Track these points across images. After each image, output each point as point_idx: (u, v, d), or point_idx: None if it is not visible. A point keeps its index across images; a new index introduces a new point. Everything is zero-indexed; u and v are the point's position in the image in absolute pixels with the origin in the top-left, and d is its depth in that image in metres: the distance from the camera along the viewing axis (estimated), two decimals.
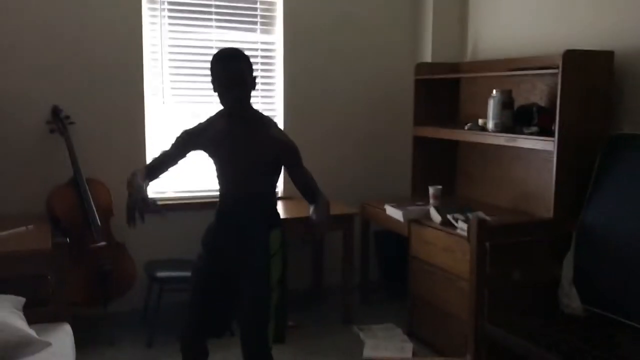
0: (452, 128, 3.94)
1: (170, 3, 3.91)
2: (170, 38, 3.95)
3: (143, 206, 2.32)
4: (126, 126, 3.84)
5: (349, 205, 4.09)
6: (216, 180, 2.58)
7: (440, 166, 4.31)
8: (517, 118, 3.49)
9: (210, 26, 4.02)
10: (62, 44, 3.65)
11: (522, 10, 3.85)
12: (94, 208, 3.57)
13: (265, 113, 4.13)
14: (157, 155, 2.64)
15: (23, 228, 3.18)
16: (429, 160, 4.29)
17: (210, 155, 2.55)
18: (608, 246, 2.85)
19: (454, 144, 4.25)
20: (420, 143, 4.26)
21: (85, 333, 3.53)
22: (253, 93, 2.45)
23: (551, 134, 3.12)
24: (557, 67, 3.05)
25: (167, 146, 2.63)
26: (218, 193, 2.59)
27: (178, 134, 2.59)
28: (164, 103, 3.98)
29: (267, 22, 4.18)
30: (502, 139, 3.42)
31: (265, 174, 2.52)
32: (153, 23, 3.89)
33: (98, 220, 3.56)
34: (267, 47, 4.21)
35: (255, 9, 4.13)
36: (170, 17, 3.92)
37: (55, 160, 3.63)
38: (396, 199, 4.01)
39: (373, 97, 4.49)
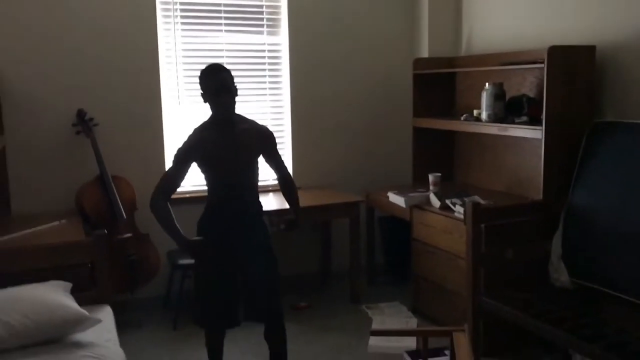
0: (449, 119, 4.22)
1: (182, 10, 4.18)
2: (184, 42, 4.22)
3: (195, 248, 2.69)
4: (145, 126, 4.13)
5: (355, 193, 4.38)
6: (206, 181, 2.85)
7: (440, 155, 4.59)
8: (509, 109, 3.76)
9: (220, 30, 4.30)
10: (83, 51, 3.93)
11: (513, 7, 4.10)
12: (120, 202, 3.86)
13: (273, 110, 4.42)
14: (165, 179, 2.83)
15: (56, 222, 3.48)
16: (428, 149, 4.56)
17: (204, 164, 2.80)
18: (593, 224, 3.11)
19: (452, 134, 4.53)
20: (419, 133, 4.53)
21: (116, 317, 3.84)
22: (238, 99, 2.78)
23: (540, 123, 3.38)
24: (543, 62, 3.31)
25: (168, 169, 2.85)
26: (208, 190, 2.87)
27: (175, 157, 2.78)
28: (179, 104, 4.26)
29: (273, 24, 4.45)
30: (495, 129, 3.69)
31: (254, 167, 2.87)
32: (167, 29, 4.16)
33: (124, 214, 3.85)
34: (273, 48, 4.48)
35: (261, 12, 4.40)
36: (182, 22, 4.19)
37: (82, 159, 3.92)
38: (398, 187, 4.30)
39: (374, 92, 4.76)
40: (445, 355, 3.19)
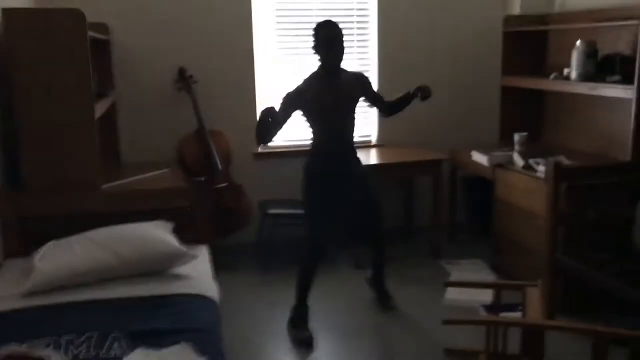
0: (538, 78, 4.15)
1: None
2: (277, 2, 4.40)
3: (270, 117, 2.95)
4: (240, 84, 4.38)
5: (439, 152, 4.44)
6: (311, 128, 3.28)
7: (528, 114, 4.54)
8: (601, 67, 3.66)
9: None
10: (184, 13, 4.21)
11: None
12: (216, 154, 4.17)
13: (361, 68, 4.59)
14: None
15: (160, 171, 3.82)
16: (516, 108, 4.53)
17: (309, 111, 3.20)
18: None
19: (542, 93, 4.45)
20: (508, 92, 4.50)
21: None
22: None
23: (632, 81, 3.28)
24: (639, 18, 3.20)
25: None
26: (313, 137, 3.29)
27: (281, 99, 3.16)
28: (271, 63, 4.46)
29: None
30: (584, 88, 3.62)
31: (353, 113, 3.30)
32: None
33: (219, 165, 4.16)
34: (362, 6, 4.57)
35: None
36: None
37: (183, 114, 4.23)
38: (484, 146, 4.31)
39: (462, 50, 4.74)
40: (519, 310, 3.27)
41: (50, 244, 2.63)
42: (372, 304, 3.68)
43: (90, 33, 3.22)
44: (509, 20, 4.43)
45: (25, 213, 2.87)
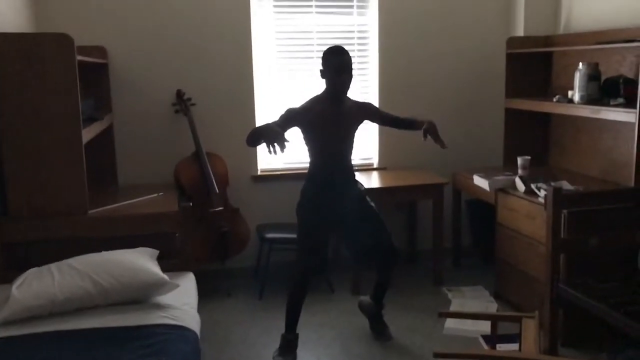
0: (542, 100, 4.06)
1: None
2: (276, 25, 4.37)
3: (277, 136, 2.84)
4: (239, 107, 4.34)
5: (442, 175, 4.36)
6: (309, 152, 3.25)
7: (533, 137, 4.44)
8: (605, 90, 3.57)
9: (311, 12, 4.40)
10: (182, 35, 4.19)
11: None
12: (213, 177, 4.12)
13: (361, 91, 4.59)
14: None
15: (155, 195, 3.77)
16: (521, 131, 4.43)
17: (310, 132, 3.17)
18: None
19: (546, 116, 4.36)
20: (512, 115, 4.40)
21: (207, 285, 4.12)
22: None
23: (635, 105, 3.19)
24: None
25: (275, 120, 3.12)
26: (310, 160, 3.27)
27: (284, 113, 3.14)
28: (271, 85, 4.43)
29: (363, 4, 4.48)
30: (587, 111, 3.52)
31: (352, 138, 3.29)
32: (260, 12, 4.32)
33: (216, 188, 4.11)
34: (362, 28, 4.52)
35: None
36: (275, 5, 4.34)
37: (180, 136, 4.20)
38: (487, 169, 4.22)
39: (465, 71, 4.67)
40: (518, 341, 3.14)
41: (31, 272, 2.58)
42: (369, 332, 3.57)
43: (84, 58, 3.21)
44: (512, 41, 4.35)
45: (10, 239, 2.83)
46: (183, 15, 4.18)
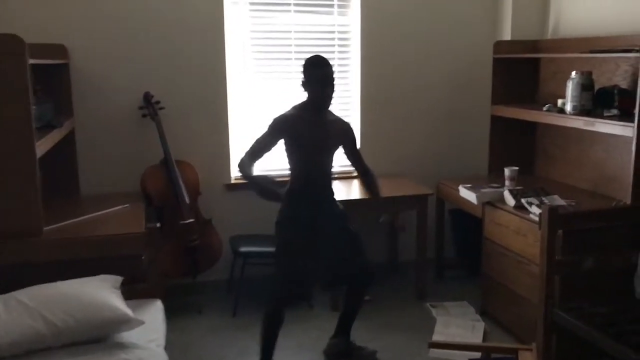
0: (531, 108, 3.88)
1: None
2: (252, 24, 4.10)
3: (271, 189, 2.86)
4: (211, 111, 4.07)
5: (425, 183, 4.16)
6: (291, 162, 3.03)
7: (519, 146, 4.27)
8: (597, 100, 3.40)
9: (289, 11, 4.14)
10: (151, 34, 3.90)
11: None
12: (183, 187, 3.85)
13: (341, 94, 4.40)
14: (255, 144, 2.94)
15: (120, 206, 3.50)
16: (507, 139, 4.26)
17: (293, 142, 2.95)
18: None
19: (533, 124, 4.18)
20: (498, 122, 4.23)
21: (176, 301, 3.88)
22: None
23: (631, 117, 3.04)
24: None
25: (260, 135, 2.95)
26: (292, 173, 3.04)
27: (270, 126, 2.93)
28: (246, 89, 4.16)
29: (344, 3, 4.24)
30: (580, 122, 3.35)
31: (333, 156, 3.11)
32: (234, 10, 4.04)
33: (187, 199, 3.84)
34: (343, 29, 4.28)
35: None
36: (250, 3, 4.07)
37: (148, 143, 3.91)
38: (472, 179, 4.04)
39: (450, 76, 4.48)
40: None
41: None
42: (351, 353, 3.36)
43: (39, 61, 2.91)
44: (499, 45, 4.17)
45: None
46: (152, 12, 3.88)
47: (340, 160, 4.29)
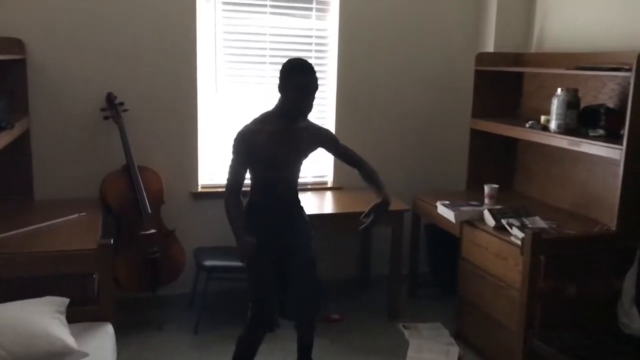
0: (513, 124, 3.72)
1: None
2: (225, 25, 3.89)
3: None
4: (179, 115, 3.84)
5: (401, 197, 3.98)
6: (252, 176, 2.77)
7: (499, 161, 4.14)
8: (583, 119, 3.28)
9: (265, 12, 3.93)
10: (116, 31, 3.65)
11: (594, 1, 3.57)
12: (145, 195, 3.61)
13: (316, 102, 4.20)
14: (231, 173, 2.70)
15: (76, 215, 3.25)
16: (486, 154, 4.11)
17: (256, 154, 2.69)
18: None
19: (515, 139, 4.04)
20: (477, 136, 4.07)
21: (135, 316, 3.64)
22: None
23: (618, 138, 2.92)
24: (630, 68, 2.81)
25: (230, 162, 2.71)
26: (252, 187, 2.78)
27: (233, 147, 2.68)
28: (216, 91, 3.94)
29: (323, 7, 4.05)
30: (565, 142, 3.22)
31: (299, 165, 2.85)
32: (207, 9, 3.83)
33: (149, 208, 3.60)
34: (321, 34, 4.09)
35: None
36: (224, 2, 3.85)
37: (109, 147, 3.67)
38: (450, 195, 3.88)
39: (430, 87, 4.32)
40: None
41: None
42: None
43: None
44: (481, 57, 4.02)
45: None
46: (119, 6, 3.64)
47: (312, 171, 4.17)
